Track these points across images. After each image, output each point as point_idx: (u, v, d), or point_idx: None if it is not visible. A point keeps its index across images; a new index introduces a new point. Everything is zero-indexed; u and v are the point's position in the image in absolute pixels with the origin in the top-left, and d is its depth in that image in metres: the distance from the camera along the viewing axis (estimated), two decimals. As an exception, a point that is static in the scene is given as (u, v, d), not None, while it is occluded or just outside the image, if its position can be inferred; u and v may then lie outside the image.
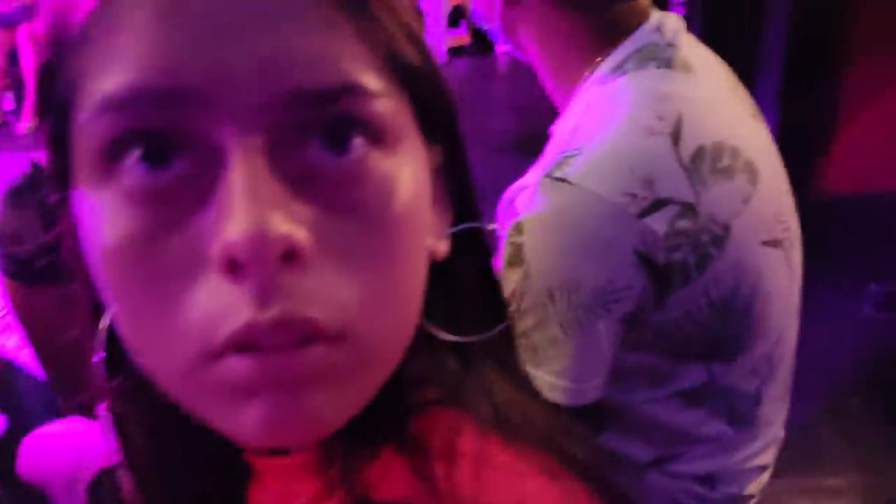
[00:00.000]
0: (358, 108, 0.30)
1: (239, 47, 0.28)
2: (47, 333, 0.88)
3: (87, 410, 0.83)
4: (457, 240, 0.39)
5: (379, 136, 0.31)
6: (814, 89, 2.54)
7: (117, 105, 0.29)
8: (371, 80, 0.30)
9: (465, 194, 0.40)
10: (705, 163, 0.74)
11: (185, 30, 0.29)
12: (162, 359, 0.31)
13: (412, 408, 0.36)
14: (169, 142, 0.29)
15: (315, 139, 0.30)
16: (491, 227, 0.42)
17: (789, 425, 0.94)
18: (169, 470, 0.42)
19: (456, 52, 5.44)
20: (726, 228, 0.74)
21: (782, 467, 0.95)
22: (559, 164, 0.73)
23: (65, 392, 0.92)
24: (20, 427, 0.84)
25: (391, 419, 0.35)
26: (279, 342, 0.28)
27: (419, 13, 0.37)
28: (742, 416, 0.85)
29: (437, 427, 0.35)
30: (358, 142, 0.30)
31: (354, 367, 0.30)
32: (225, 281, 0.28)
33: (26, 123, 4.37)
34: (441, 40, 5.29)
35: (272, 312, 0.27)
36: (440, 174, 0.38)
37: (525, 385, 0.41)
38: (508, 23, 0.85)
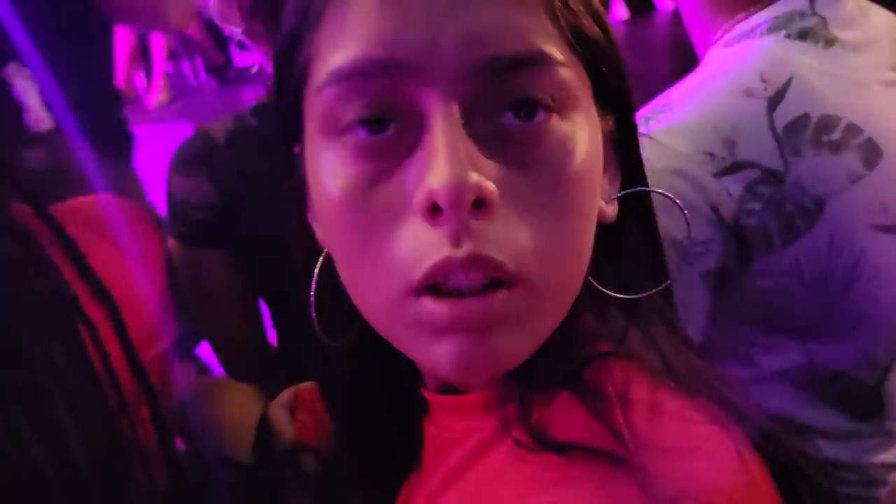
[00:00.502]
0: (544, 75, 0.34)
1: (446, 24, 0.33)
2: (210, 294, 0.96)
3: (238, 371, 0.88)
4: (624, 203, 0.42)
5: (560, 102, 0.35)
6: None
7: (345, 76, 0.34)
8: (556, 51, 0.35)
9: (634, 161, 0.44)
10: (805, 133, 0.72)
11: (401, 11, 0.34)
12: (371, 294, 0.37)
13: (587, 358, 0.40)
14: (384, 107, 0.34)
15: (504, 106, 0.34)
16: (659, 192, 0.45)
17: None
18: (355, 399, 0.49)
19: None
20: (819, 204, 0.72)
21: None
22: (645, 121, 0.75)
23: (221, 351, 1.01)
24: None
25: (566, 367, 0.39)
26: (469, 280, 0.33)
27: None
28: (864, 409, 0.82)
29: (611, 376, 0.38)
30: (542, 107, 0.35)
31: (530, 310, 0.35)
32: (425, 224, 0.33)
33: (156, 97, 4.64)
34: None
35: (464, 250, 0.32)
36: (611, 141, 0.42)
37: (686, 340, 0.44)
38: None
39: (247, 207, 0.75)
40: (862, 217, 0.75)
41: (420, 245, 0.33)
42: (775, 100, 0.73)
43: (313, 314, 0.43)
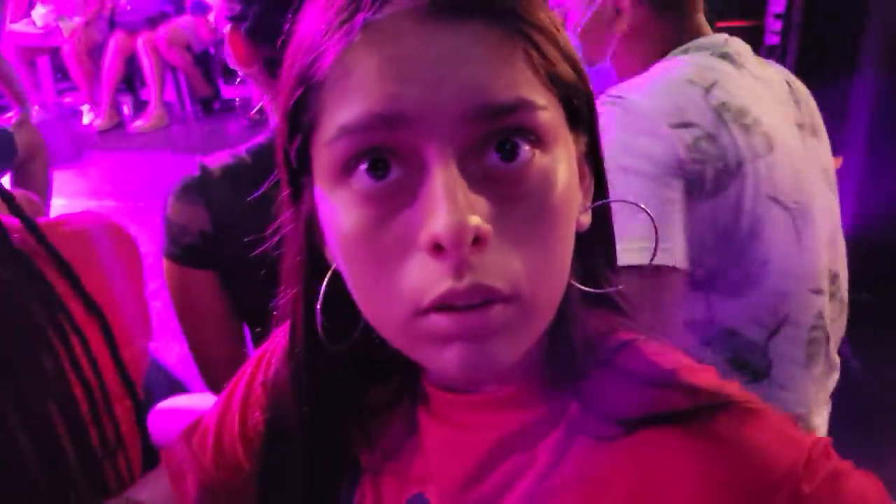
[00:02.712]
0: (527, 118, 0.39)
1: (442, 79, 0.38)
2: (198, 312, 1.03)
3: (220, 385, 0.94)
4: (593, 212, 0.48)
5: (541, 140, 0.40)
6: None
7: (351, 131, 0.39)
8: (537, 96, 0.40)
9: (601, 174, 0.49)
10: (729, 112, 0.94)
11: (400, 70, 0.38)
12: (384, 314, 0.42)
13: (617, 347, 0.47)
14: (387, 155, 0.39)
15: (492, 148, 0.39)
16: (624, 201, 0.53)
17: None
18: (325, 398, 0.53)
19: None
20: (738, 165, 0.93)
21: None
22: (613, 91, 0.96)
23: (203, 366, 1.08)
24: (145, 403, 0.98)
25: (597, 358, 0.47)
26: (470, 303, 0.38)
27: (568, 38, 0.46)
28: (754, 370, 0.97)
29: (648, 353, 0.46)
30: (525, 147, 0.39)
31: (523, 320, 0.40)
32: (429, 258, 0.38)
33: (144, 123, 4.72)
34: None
35: (465, 282, 0.38)
36: (585, 159, 0.47)
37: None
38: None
39: (236, 235, 0.83)
40: (763, 187, 0.94)
41: (427, 276, 0.38)
42: (708, 89, 0.96)
43: (318, 322, 0.48)
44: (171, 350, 2.21)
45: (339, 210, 0.41)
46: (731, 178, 0.92)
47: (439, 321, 0.39)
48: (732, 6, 5.31)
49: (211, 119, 4.95)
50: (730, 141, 0.92)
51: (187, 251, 1.00)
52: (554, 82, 0.41)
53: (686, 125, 0.91)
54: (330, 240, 0.44)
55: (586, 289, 0.48)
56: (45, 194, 2.46)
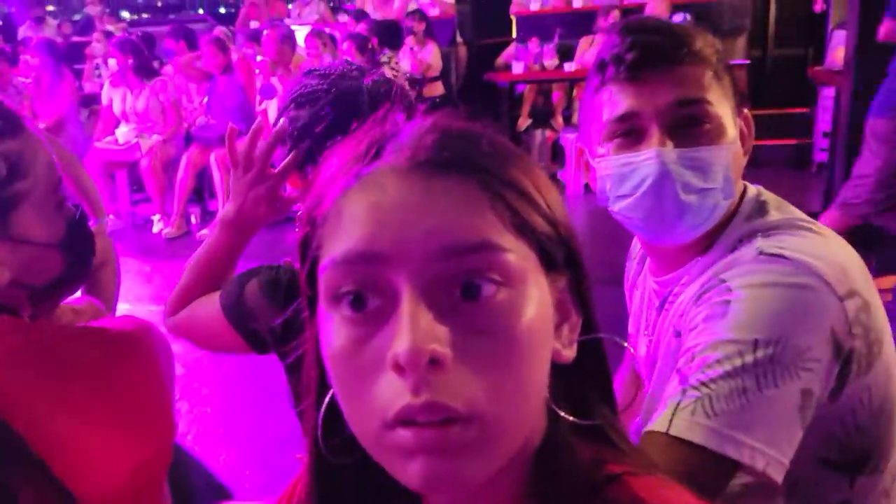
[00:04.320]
0: (490, 258, 0.44)
1: (412, 224, 0.44)
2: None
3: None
4: (581, 345, 0.51)
5: (507, 278, 0.44)
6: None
7: (338, 264, 0.46)
8: (503, 240, 0.45)
9: (587, 308, 0.52)
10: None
11: (380, 216, 0.45)
12: (361, 425, 0.46)
13: (606, 480, 0.48)
14: (366, 285, 0.45)
15: (458, 283, 0.44)
16: (611, 337, 0.54)
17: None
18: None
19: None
20: (883, 334, 0.86)
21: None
22: (768, 243, 0.88)
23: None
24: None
25: (585, 490, 0.48)
26: (428, 419, 0.42)
27: (551, 189, 0.50)
28: None
29: (638, 489, 0.47)
30: (488, 287, 0.44)
31: (485, 442, 0.43)
32: (395, 377, 0.43)
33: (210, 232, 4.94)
34: (577, 177, 5.56)
35: (422, 399, 0.42)
36: (570, 294, 0.50)
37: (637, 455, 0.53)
38: None
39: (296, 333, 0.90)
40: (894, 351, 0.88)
41: (391, 392, 0.43)
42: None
43: (319, 435, 0.53)
44: (219, 457, 2.25)
45: (331, 330, 0.47)
46: (879, 348, 0.86)
47: (404, 434, 0.43)
48: (780, 126, 5.40)
49: (272, 229, 5.13)
50: (877, 308, 0.86)
51: (254, 337, 1.09)
52: (523, 231, 0.46)
53: (851, 293, 0.83)
54: (324, 355, 0.49)
55: (576, 420, 0.50)
56: (112, 300, 2.58)
